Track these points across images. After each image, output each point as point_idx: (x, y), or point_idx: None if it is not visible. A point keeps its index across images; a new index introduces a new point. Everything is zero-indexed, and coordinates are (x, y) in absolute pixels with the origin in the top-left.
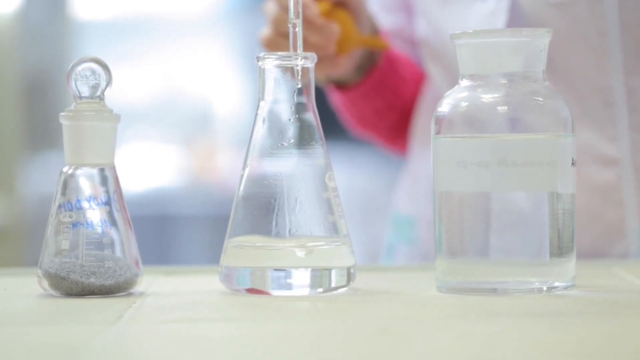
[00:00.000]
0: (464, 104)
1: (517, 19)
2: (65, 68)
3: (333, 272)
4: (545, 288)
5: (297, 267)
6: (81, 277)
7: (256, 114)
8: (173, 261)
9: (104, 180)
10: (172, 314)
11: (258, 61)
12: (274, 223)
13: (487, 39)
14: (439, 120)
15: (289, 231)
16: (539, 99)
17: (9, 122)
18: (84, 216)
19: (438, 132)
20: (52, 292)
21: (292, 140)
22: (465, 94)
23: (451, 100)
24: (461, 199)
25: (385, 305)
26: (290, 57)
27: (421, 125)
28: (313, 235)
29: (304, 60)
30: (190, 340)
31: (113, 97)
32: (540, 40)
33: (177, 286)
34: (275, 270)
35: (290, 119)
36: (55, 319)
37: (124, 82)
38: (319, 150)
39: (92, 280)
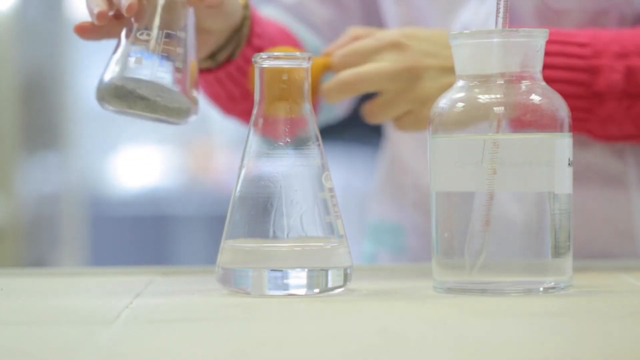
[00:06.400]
0: (460, 104)
1: (515, 23)
2: (63, 67)
3: (330, 273)
4: (542, 288)
5: (293, 268)
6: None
7: (253, 114)
8: (170, 261)
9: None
10: (169, 314)
11: (255, 61)
12: (270, 223)
13: (484, 39)
14: (436, 120)
15: (286, 232)
16: (536, 99)
17: (7, 121)
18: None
19: (435, 132)
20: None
21: (288, 141)
22: (462, 94)
23: (448, 100)
24: (458, 199)
25: (382, 306)
26: (287, 57)
27: (395, 134)
28: (309, 235)
29: (301, 61)
30: (187, 341)
31: None
32: (537, 40)
33: (174, 286)
34: (272, 270)
35: (287, 119)
36: (53, 319)
37: None
38: (316, 150)
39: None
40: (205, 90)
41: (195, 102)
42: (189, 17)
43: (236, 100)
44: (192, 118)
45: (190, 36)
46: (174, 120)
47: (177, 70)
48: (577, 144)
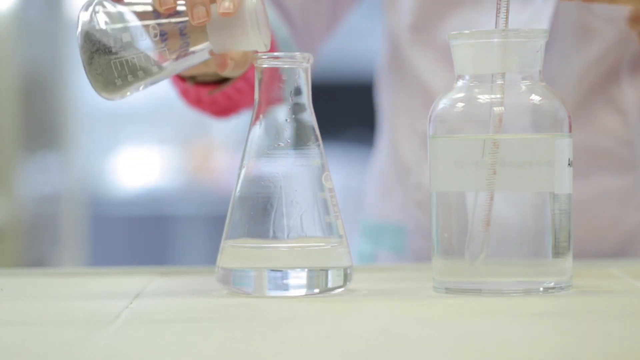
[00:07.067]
0: (460, 104)
1: (560, 27)
2: (63, 67)
3: (330, 273)
4: (541, 288)
5: (293, 268)
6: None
7: (253, 114)
8: (170, 261)
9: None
10: (169, 314)
11: (255, 62)
12: (270, 223)
13: (484, 40)
14: (436, 120)
15: (286, 232)
16: (536, 99)
17: (7, 121)
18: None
19: (435, 132)
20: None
21: (288, 141)
22: (462, 94)
23: (448, 100)
24: (458, 199)
25: (382, 306)
26: (287, 57)
27: (396, 134)
28: (309, 235)
29: (302, 61)
30: (187, 341)
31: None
32: (537, 40)
33: (174, 286)
34: (272, 270)
35: (287, 120)
36: (53, 319)
37: None
38: (316, 150)
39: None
40: (184, 91)
41: (121, 94)
42: (202, 52)
43: (217, 102)
44: (109, 97)
45: (185, 62)
46: (96, 85)
47: (156, 57)
48: (587, 139)
